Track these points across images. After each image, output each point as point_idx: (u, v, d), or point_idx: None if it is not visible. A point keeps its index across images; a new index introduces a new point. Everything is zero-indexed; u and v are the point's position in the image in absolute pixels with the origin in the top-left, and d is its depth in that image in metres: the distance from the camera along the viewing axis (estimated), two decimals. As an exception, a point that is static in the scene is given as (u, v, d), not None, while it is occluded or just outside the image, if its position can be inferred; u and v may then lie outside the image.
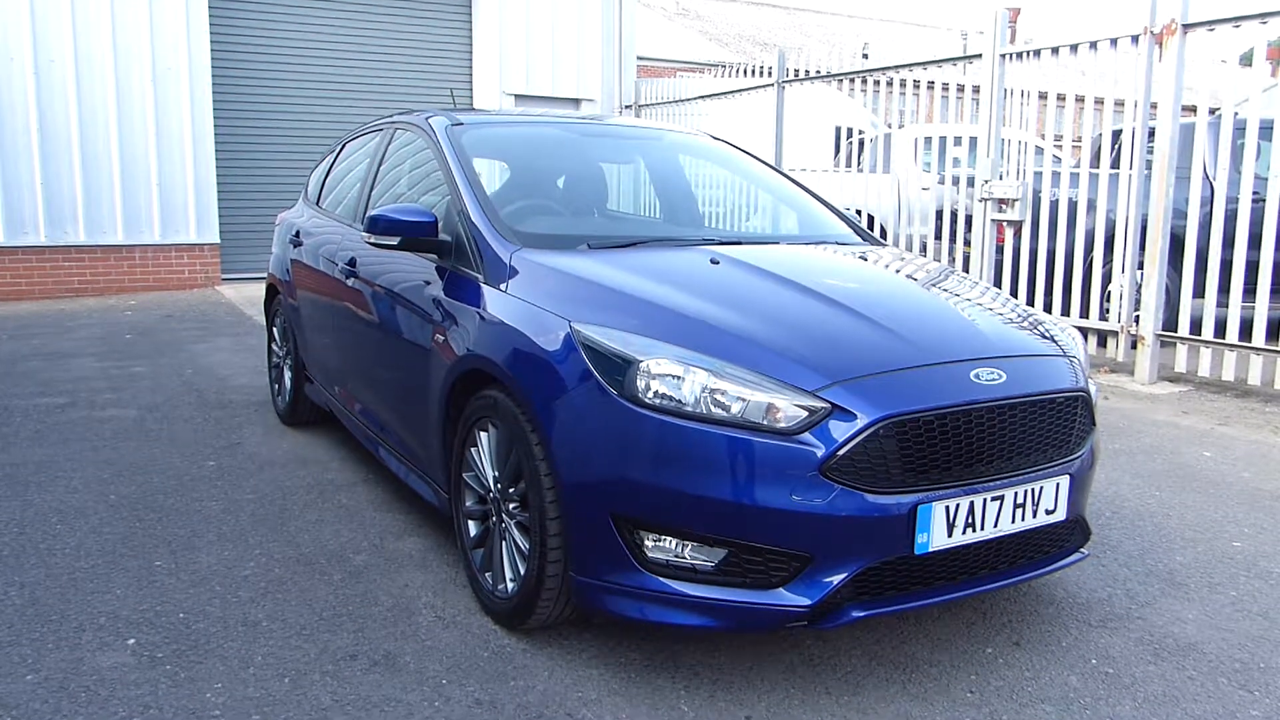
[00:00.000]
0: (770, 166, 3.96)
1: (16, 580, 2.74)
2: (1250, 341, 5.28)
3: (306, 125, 10.02)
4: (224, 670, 2.25)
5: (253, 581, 2.75)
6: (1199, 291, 5.56)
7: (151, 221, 9.13)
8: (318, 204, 4.38)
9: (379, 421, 3.35)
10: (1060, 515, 2.31)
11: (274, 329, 4.74)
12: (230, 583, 2.74)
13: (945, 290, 2.79)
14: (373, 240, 2.88)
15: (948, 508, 2.11)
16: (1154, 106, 5.63)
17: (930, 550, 2.11)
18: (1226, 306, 5.36)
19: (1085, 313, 6.17)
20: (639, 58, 12.33)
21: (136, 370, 5.70)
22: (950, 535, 2.12)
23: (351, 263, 3.51)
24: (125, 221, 9.01)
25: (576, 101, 11.37)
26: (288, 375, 4.46)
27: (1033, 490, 2.24)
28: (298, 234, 4.32)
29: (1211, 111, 5.72)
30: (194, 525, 3.19)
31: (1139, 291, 5.78)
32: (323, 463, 3.91)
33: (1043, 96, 6.35)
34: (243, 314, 7.93)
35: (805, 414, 2.05)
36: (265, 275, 4.84)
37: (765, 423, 2.05)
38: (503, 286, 2.60)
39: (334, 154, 4.53)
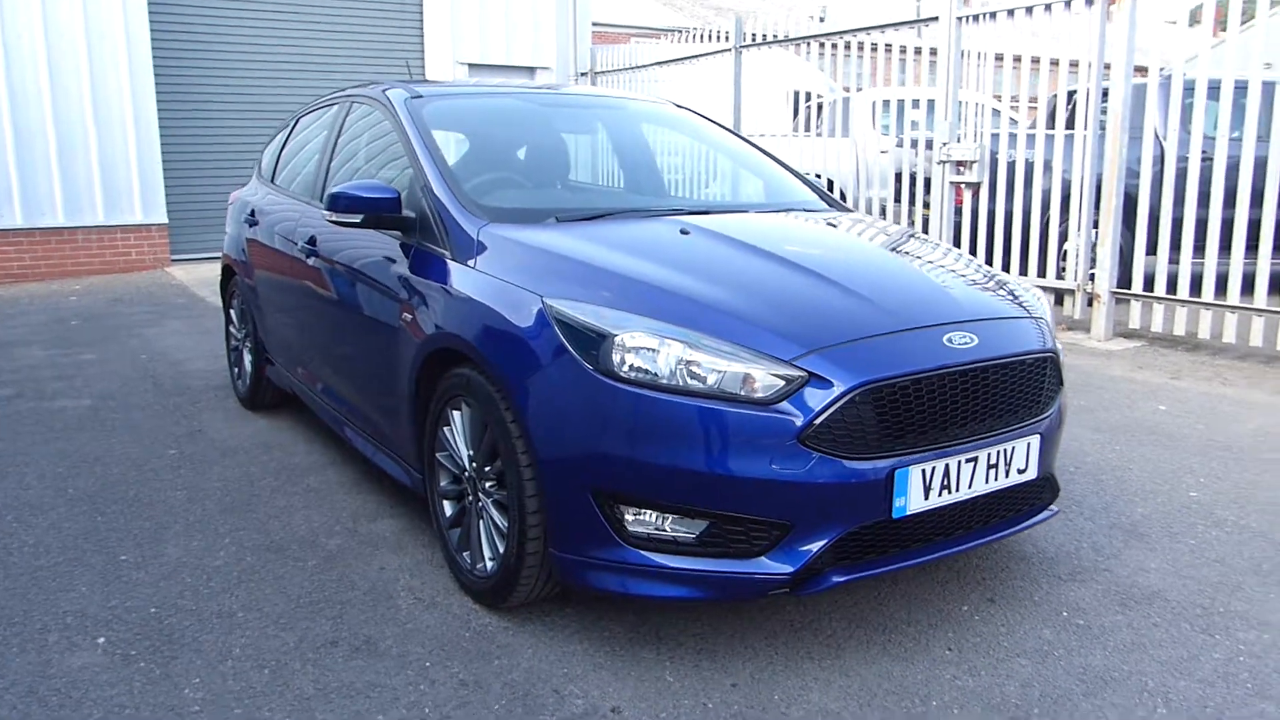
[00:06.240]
0: (735, 134, 3.94)
1: (-24, 579, 2.65)
2: (1200, 297, 5.41)
3: (255, 99, 9.70)
4: (201, 664, 2.21)
5: (225, 571, 2.70)
6: (1151, 249, 5.67)
7: (94, 202, 8.80)
8: (272, 181, 4.26)
9: (345, 402, 3.29)
10: (1031, 474, 2.36)
11: (231, 311, 4.62)
12: (201, 574, 2.69)
13: (915, 255, 2.80)
14: (334, 218, 2.80)
15: (924, 471, 2.13)
16: (1107, 67, 5.69)
17: (908, 513, 2.13)
18: (1178, 263, 5.48)
19: (1043, 272, 6.27)
20: (593, 24, 12.13)
21: (86, 358, 5.53)
22: (927, 498, 2.15)
23: (311, 241, 3.42)
24: (65, 202, 8.67)
25: (532, 70, 11.17)
26: (248, 358, 4.36)
27: (1005, 450, 2.27)
28: (253, 213, 4.20)
29: (1161, 72, 5.81)
30: (159, 516, 3.11)
31: (1094, 250, 5.88)
32: (288, 446, 3.84)
33: (999, 58, 6.38)
34: (195, 295, 7.72)
35: (782, 383, 2.05)
36: (218, 255, 4.71)
37: (742, 393, 2.05)
38: (470, 263, 2.55)
39: (288, 129, 4.40)
